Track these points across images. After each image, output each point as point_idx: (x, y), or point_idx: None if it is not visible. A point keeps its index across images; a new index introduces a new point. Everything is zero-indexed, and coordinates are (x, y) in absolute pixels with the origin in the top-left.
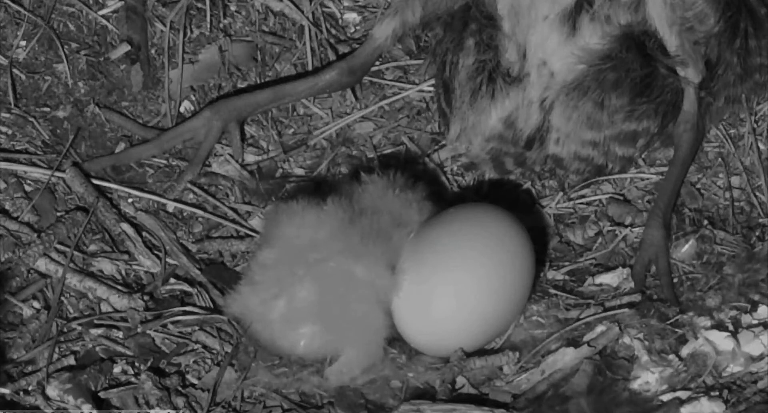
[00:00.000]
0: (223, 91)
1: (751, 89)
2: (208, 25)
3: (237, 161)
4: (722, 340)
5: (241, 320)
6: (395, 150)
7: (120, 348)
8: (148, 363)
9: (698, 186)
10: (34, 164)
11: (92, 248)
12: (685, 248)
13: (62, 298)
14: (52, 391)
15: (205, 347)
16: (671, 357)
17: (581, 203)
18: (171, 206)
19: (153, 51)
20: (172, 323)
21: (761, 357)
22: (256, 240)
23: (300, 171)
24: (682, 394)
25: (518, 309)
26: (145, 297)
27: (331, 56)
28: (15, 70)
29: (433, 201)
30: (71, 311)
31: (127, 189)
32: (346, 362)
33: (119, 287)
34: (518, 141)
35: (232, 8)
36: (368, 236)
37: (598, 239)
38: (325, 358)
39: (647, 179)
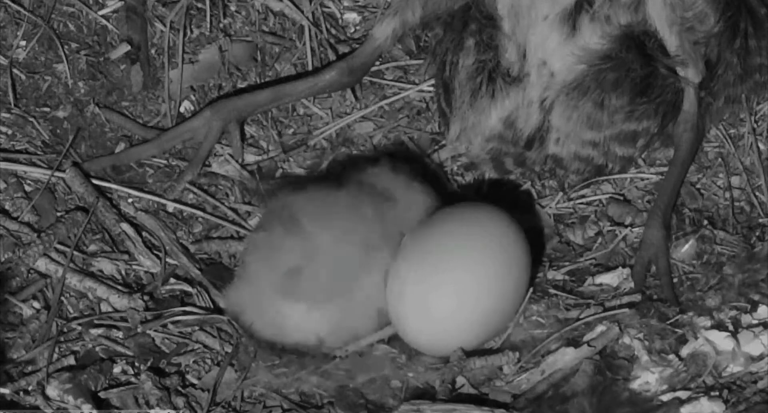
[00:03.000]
0: (223, 91)
1: (751, 89)
2: (208, 25)
3: (237, 161)
4: (722, 340)
5: (240, 315)
6: (395, 150)
7: (120, 348)
8: (148, 363)
9: (698, 186)
10: (34, 164)
11: (92, 248)
12: (685, 248)
13: (62, 298)
14: (52, 391)
15: (205, 347)
16: (671, 357)
17: (581, 203)
18: (171, 206)
19: (153, 51)
20: (172, 323)
21: (761, 357)
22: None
23: (300, 171)
24: (682, 394)
25: (516, 308)
26: (145, 297)
27: (331, 56)
28: (15, 70)
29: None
30: (71, 311)
31: (127, 189)
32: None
33: (119, 287)
34: (518, 141)
35: (232, 8)
36: (373, 223)
37: (598, 239)
38: (320, 345)
39: (647, 179)
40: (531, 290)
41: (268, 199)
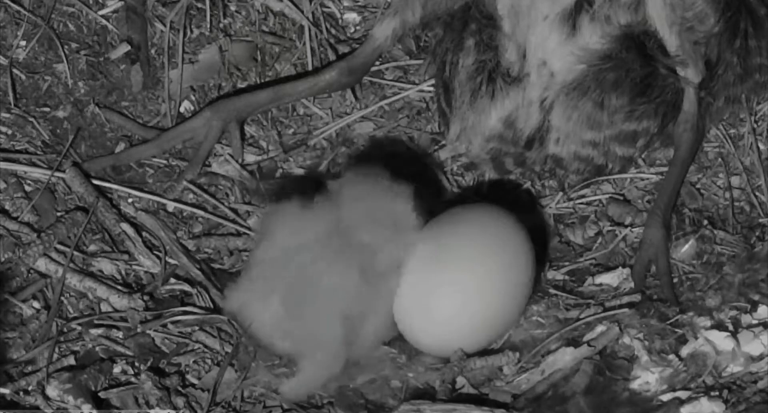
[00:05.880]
0: (223, 91)
1: (751, 89)
2: (208, 25)
3: (237, 161)
4: (722, 340)
5: (239, 318)
6: (395, 150)
7: (120, 348)
8: (148, 363)
9: (698, 186)
10: (34, 164)
11: (92, 248)
12: (685, 248)
13: (62, 298)
14: (52, 391)
15: (205, 347)
16: (671, 357)
17: (581, 203)
18: (171, 206)
19: (153, 51)
20: (172, 323)
21: (761, 357)
22: (253, 237)
23: (300, 171)
24: (682, 394)
25: (519, 310)
26: (145, 297)
27: (331, 56)
28: (15, 70)
29: (433, 201)
30: (71, 311)
31: (127, 189)
32: (302, 377)
33: (119, 287)
34: (518, 141)
35: (232, 8)
36: (346, 245)
37: (598, 239)
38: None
39: (647, 179)
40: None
41: (273, 201)
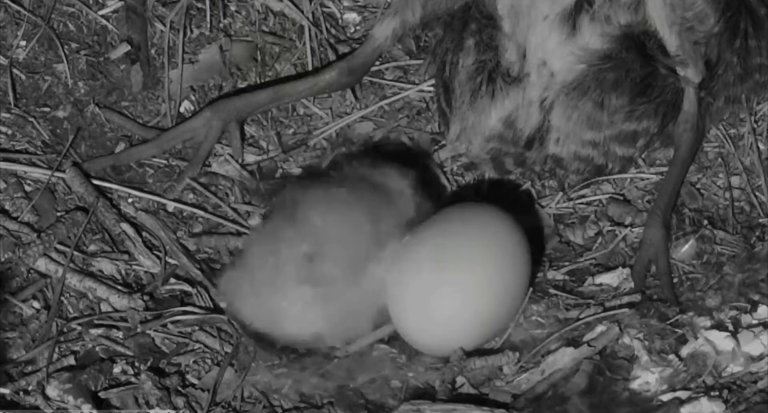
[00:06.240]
0: (223, 91)
1: (751, 89)
2: (208, 25)
3: (237, 161)
4: (722, 340)
5: (234, 304)
6: (395, 150)
7: (120, 348)
8: (148, 363)
9: (698, 186)
10: (34, 164)
11: (92, 248)
12: (685, 248)
13: (62, 298)
14: (52, 391)
15: (205, 347)
16: (671, 357)
17: (581, 203)
18: (171, 206)
19: (153, 51)
20: (172, 323)
21: (761, 357)
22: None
23: (300, 171)
24: (682, 394)
25: (515, 309)
26: (145, 297)
27: (331, 56)
28: (15, 70)
29: (432, 201)
30: (71, 311)
31: (127, 189)
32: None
33: (119, 287)
34: (518, 141)
35: (232, 8)
36: (373, 219)
37: (598, 239)
38: (317, 341)
39: (647, 179)
40: (531, 290)
41: (272, 197)
